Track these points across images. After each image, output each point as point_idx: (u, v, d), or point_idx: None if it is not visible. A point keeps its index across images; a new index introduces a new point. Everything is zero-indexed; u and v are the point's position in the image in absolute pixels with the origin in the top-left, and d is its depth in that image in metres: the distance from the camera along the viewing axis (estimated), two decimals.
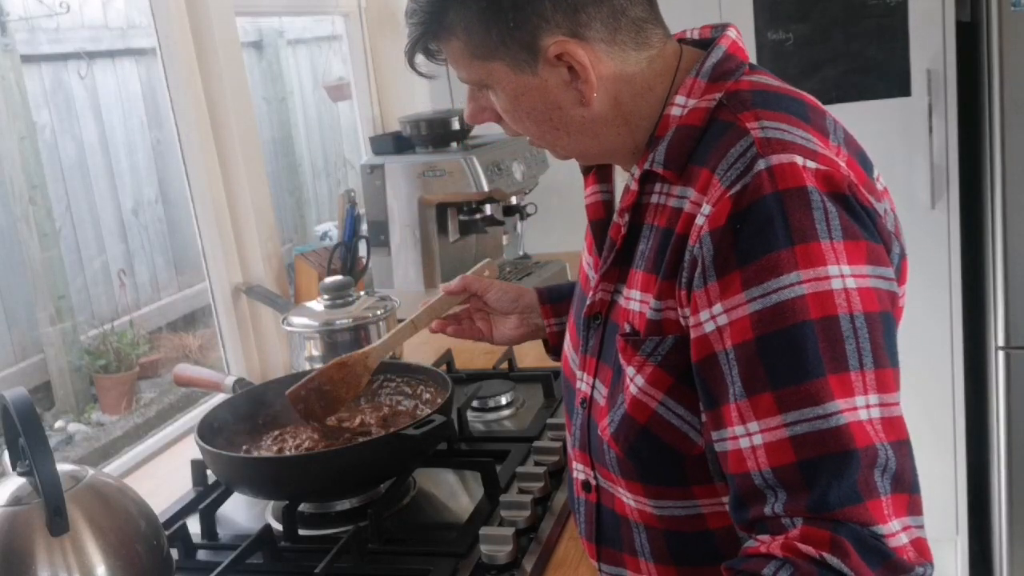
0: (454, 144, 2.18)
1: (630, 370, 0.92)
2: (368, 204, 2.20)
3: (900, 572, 0.76)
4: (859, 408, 0.78)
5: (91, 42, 3.21)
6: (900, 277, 0.90)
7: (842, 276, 0.80)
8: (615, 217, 0.97)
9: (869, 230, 0.83)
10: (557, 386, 1.63)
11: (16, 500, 0.98)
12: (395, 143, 2.22)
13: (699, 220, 0.85)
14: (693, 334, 0.86)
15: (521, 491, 1.25)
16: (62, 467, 1.00)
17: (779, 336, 0.80)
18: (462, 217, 2.20)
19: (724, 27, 0.97)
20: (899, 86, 2.34)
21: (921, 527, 0.79)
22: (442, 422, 1.23)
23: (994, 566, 2.49)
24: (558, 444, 1.36)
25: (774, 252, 0.80)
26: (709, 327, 0.84)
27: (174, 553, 1.15)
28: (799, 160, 0.82)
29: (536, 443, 1.38)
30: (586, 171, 1.08)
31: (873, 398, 0.79)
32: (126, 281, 3.38)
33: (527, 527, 1.17)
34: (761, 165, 0.82)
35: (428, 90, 2.58)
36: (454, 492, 1.33)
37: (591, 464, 1.03)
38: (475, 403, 1.58)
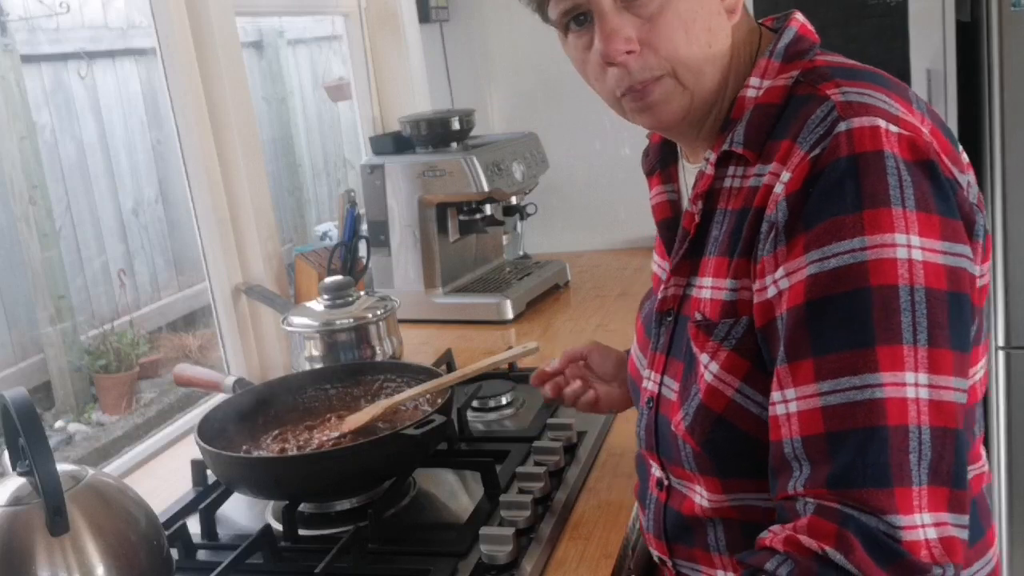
0: (454, 144, 2.18)
1: (704, 357, 0.90)
2: (368, 204, 2.20)
3: (912, 571, 0.73)
4: (907, 385, 0.75)
5: (91, 42, 3.21)
6: (985, 253, 0.87)
7: (909, 246, 0.76)
8: (688, 205, 0.95)
9: (948, 202, 0.79)
10: None
11: (16, 500, 0.98)
12: (395, 143, 2.22)
13: (777, 188, 0.83)
14: (757, 299, 0.84)
15: (521, 491, 1.25)
16: (62, 467, 1.00)
17: (831, 301, 0.77)
18: (462, 217, 2.20)
19: (789, 13, 0.96)
20: None
21: (961, 526, 0.76)
22: (442, 422, 1.23)
23: None
24: (558, 444, 1.36)
25: (839, 216, 0.77)
26: (772, 291, 0.83)
27: (174, 553, 1.15)
28: (882, 123, 0.79)
29: (536, 443, 1.38)
30: (650, 172, 1.06)
31: (923, 377, 0.75)
32: (126, 281, 3.38)
33: (527, 527, 1.17)
34: (842, 127, 0.80)
35: (428, 90, 2.58)
36: (454, 492, 1.33)
37: (661, 464, 1.01)
38: (475, 403, 1.58)
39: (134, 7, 3.24)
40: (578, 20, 0.90)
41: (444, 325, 2.14)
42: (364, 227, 2.17)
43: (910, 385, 0.75)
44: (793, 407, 0.79)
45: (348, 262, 1.96)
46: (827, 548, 0.73)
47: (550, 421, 1.45)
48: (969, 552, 0.92)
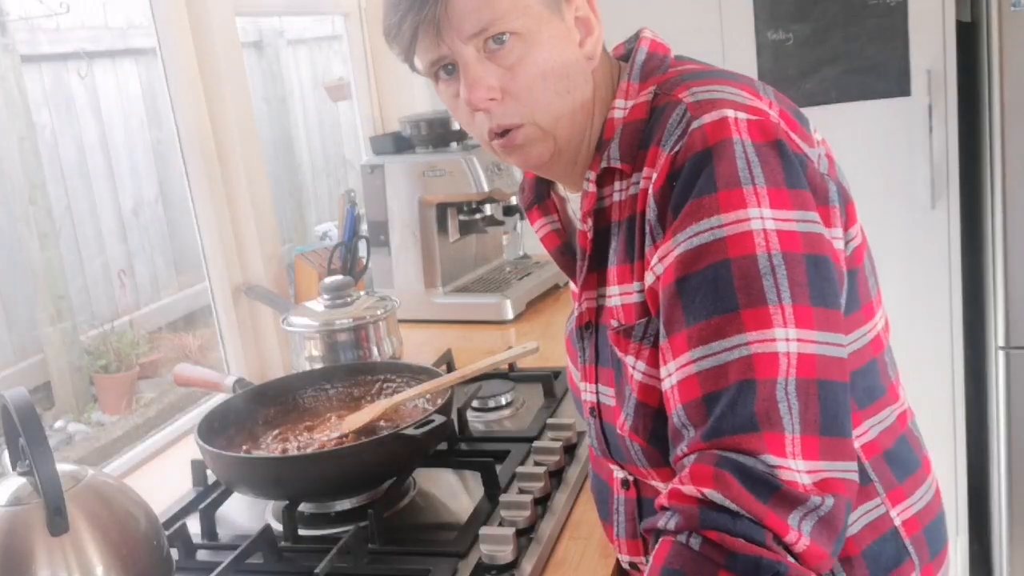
0: (454, 144, 2.18)
1: (629, 359, 0.94)
2: (368, 204, 2.20)
3: (792, 503, 0.75)
4: (778, 340, 0.79)
5: (91, 42, 3.21)
6: (848, 217, 0.92)
7: (762, 218, 0.81)
8: (579, 225, 1.00)
9: (796, 176, 0.85)
10: (557, 386, 1.63)
11: (16, 500, 0.98)
12: (395, 143, 2.22)
13: (649, 188, 0.88)
14: (648, 290, 0.90)
15: (521, 491, 1.25)
16: (62, 467, 1.00)
17: (697, 276, 0.82)
18: (462, 217, 2.20)
19: (637, 34, 1.01)
20: (899, 86, 2.34)
21: (839, 471, 0.78)
22: (442, 422, 1.23)
23: (994, 566, 2.49)
24: (558, 444, 1.36)
25: (698, 199, 0.83)
26: (650, 278, 0.88)
27: (174, 553, 1.15)
28: (730, 113, 0.85)
29: (536, 443, 1.38)
30: (528, 207, 1.10)
31: (792, 332, 0.79)
32: (126, 281, 3.38)
33: (527, 527, 1.17)
34: (695, 125, 0.85)
35: (428, 90, 2.58)
36: (454, 492, 1.33)
37: (620, 466, 1.04)
38: (475, 403, 1.58)
39: (134, 7, 3.23)
40: (447, 69, 0.94)
41: (444, 325, 2.14)
42: (364, 227, 2.17)
43: (780, 340, 0.79)
44: (675, 379, 0.83)
45: (348, 262, 1.96)
46: (706, 490, 0.76)
47: (550, 421, 1.45)
48: (908, 482, 0.97)
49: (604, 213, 0.97)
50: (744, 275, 0.80)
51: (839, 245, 0.89)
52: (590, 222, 0.98)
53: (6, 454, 1.03)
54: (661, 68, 0.97)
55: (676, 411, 0.83)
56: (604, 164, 0.95)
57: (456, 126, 2.17)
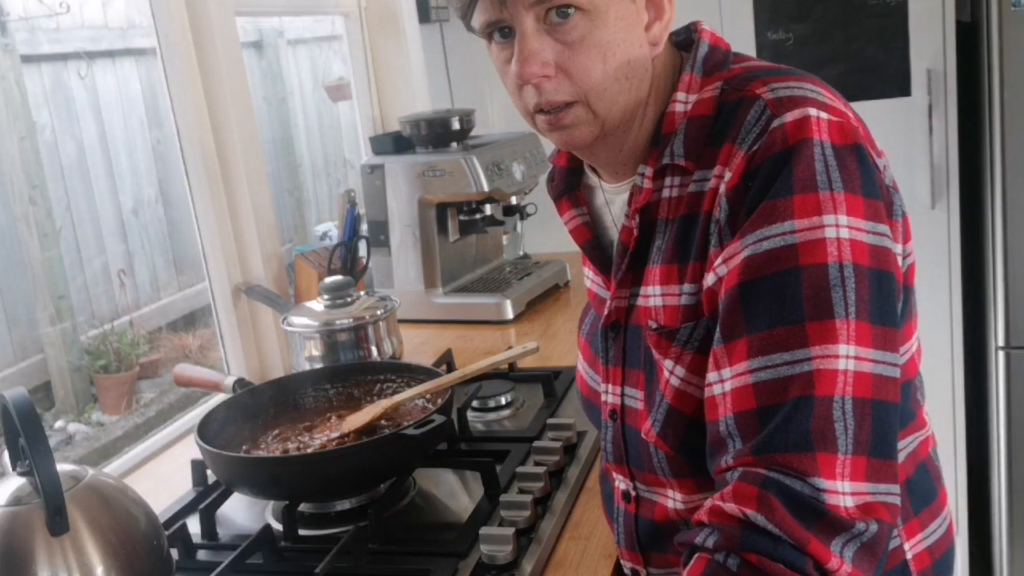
0: (454, 144, 2.18)
1: (668, 363, 0.91)
2: (368, 204, 2.20)
3: (836, 529, 0.74)
4: (840, 356, 0.77)
5: (91, 42, 3.21)
6: (906, 233, 0.89)
7: (837, 226, 0.79)
8: (625, 221, 0.96)
9: (872, 184, 0.82)
10: (557, 386, 1.63)
11: (16, 500, 0.98)
12: (395, 143, 2.22)
13: (721, 188, 0.85)
14: (704, 288, 0.86)
15: (521, 491, 1.25)
16: (62, 467, 1.00)
17: (764, 282, 0.79)
18: (462, 217, 2.20)
19: (692, 25, 0.98)
20: (899, 86, 2.34)
21: (882, 494, 0.77)
22: (442, 422, 1.23)
23: (994, 566, 2.49)
24: (558, 444, 1.36)
25: (772, 201, 0.80)
26: (711, 279, 0.85)
27: (174, 553, 1.15)
28: (812, 112, 0.82)
29: (536, 443, 1.38)
30: (557, 197, 1.07)
31: (852, 349, 0.77)
32: (126, 281, 3.38)
33: (527, 527, 1.17)
34: (776, 123, 0.82)
35: (428, 90, 2.58)
36: (454, 492, 1.33)
37: (630, 475, 1.02)
38: (475, 403, 1.58)
39: (134, 7, 3.23)
40: (503, 32, 0.90)
41: (444, 325, 2.14)
42: (364, 227, 2.17)
43: (842, 357, 0.77)
44: (728, 386, 0.81)
45: (348, 262, 1.95)
46: (748, 512, 0.74)
47: (550, 421, 1.45)
48: (924, 514, 0.96)
49: (650, 209, 0.94)
50: (814, 285, 0.77)
51: (906, 262, 0.87)
52: (638, 219, 0.94)
53: (6, 454, 1.03)
54: (725, 63, 0.93)
55: (724, 419, 0.80)
56: (666, 160, 0.91)
57: (456, 126, 2.17)
